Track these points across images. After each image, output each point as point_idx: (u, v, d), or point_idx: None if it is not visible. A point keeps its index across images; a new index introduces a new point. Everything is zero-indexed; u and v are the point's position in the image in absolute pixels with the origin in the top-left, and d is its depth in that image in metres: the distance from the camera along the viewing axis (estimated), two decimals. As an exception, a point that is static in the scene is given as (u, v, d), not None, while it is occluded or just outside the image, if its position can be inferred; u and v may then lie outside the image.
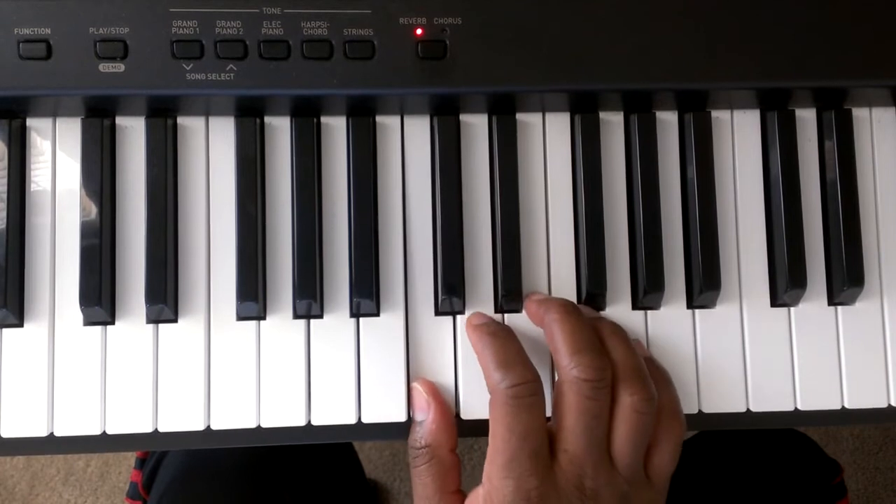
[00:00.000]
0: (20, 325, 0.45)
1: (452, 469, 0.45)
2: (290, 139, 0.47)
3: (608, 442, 0.43)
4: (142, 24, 0.44)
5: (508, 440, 0.41)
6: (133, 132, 0.47)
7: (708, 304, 0.48)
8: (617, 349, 0.44)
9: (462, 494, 0.45)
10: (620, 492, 0.42)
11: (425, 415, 0.45)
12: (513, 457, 0.41)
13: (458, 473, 0.45)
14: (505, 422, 0.42)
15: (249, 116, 0.46)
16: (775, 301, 0.48)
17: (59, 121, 0.46)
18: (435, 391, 0.46)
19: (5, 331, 0.45)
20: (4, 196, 0.45)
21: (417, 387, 0.46)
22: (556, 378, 0.44)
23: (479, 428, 0.46)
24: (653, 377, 0.44)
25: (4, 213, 0.45)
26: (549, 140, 0.48)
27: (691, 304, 0.48)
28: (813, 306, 0.48)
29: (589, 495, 0.41)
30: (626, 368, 0.43)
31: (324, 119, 0.47)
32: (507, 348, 0.44)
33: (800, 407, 0.48)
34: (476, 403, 0.46)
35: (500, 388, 0.42)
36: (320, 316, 0.46)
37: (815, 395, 0.48)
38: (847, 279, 0.47)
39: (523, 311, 0.47)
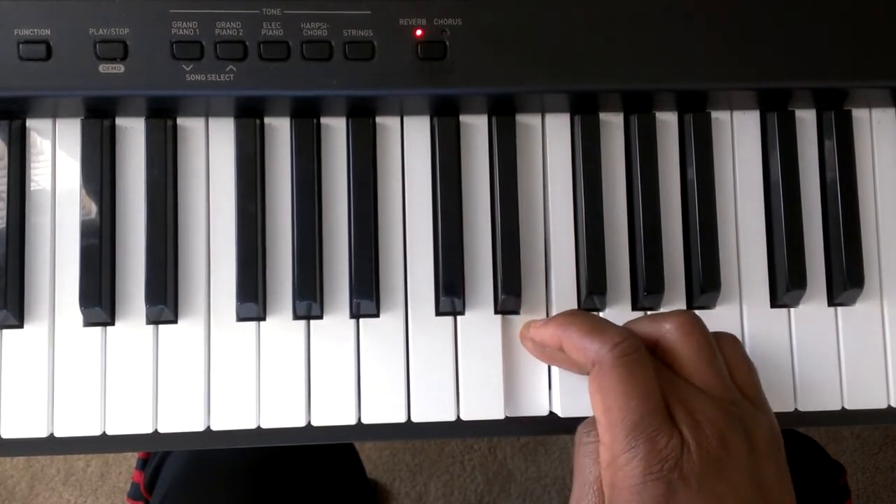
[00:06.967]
0: (20, 325, 0.45)
1: None
2: (290, 140, 0.47)
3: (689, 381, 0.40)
4: (142, 25, 0.44)
5: (627, 405, 0.38)
6: (133, 133, 0.47)
7: (708, 305, 0.48)
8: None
9: None
10: (733, 417, 0.39)
11: None
12: (638, 420, 0.37)
13: None
14: (619, 388, 0.38)
15: (249, 117, 0.46)
16: (775, 302, 0.48)
17: (58, 121, 0.46)
18: None
19: (5, 332, 0.45)
20: (4, 196, 0.45)
21: None
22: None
23: (479, 428, 0.46)
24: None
25: (4, 214, 0.45)
26: (548, 141, 0.48)
27: (691, 305, 0.48)
28: (813, 307, 0.48)
29: (717, 437, 0.38)
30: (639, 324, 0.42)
31: (323, 120, 0.47)
32: (590, 318, 0.42)
33: (800, 408, 0.48)
34: (475, 404, 0.46)
35: (603, 353, 0.39)
36: (320, 317, 0.46)
37: (815, 396, 0.48)
38: (847, 280, 0.47)
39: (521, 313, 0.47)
